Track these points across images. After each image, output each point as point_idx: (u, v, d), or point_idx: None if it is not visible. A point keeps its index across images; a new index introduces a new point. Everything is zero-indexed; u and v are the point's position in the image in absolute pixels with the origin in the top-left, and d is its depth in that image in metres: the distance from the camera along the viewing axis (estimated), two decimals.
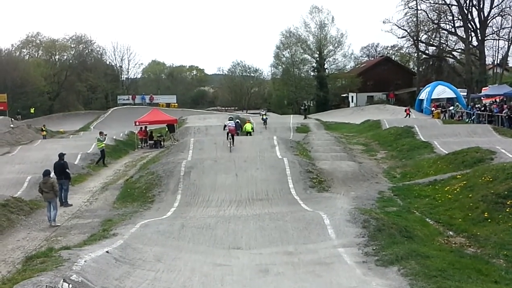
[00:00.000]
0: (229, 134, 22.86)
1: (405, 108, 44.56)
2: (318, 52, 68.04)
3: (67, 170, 16.75)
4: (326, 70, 69.01)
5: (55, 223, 13.85)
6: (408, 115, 41.39)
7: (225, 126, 23.54)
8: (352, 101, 66.09)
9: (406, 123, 31.96)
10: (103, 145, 25.24)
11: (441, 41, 60.40)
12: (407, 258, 9.25)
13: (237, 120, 30.17)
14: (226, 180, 17.24)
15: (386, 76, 62.99)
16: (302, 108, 55.36)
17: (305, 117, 48.92)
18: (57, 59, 71.98)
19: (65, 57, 72.80)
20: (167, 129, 34.58)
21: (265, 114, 41.57)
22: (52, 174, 15.15)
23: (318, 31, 67.49)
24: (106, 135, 27.10)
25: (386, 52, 77.80)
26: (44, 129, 39.82)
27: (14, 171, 21.79)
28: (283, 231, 11.67)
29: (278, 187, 16.54)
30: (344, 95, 69.14)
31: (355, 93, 64.62)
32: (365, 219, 11.72)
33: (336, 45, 67.85)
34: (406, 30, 58.54)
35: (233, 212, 14.31)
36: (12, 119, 44.19)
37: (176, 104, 64.86)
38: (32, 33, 71.91)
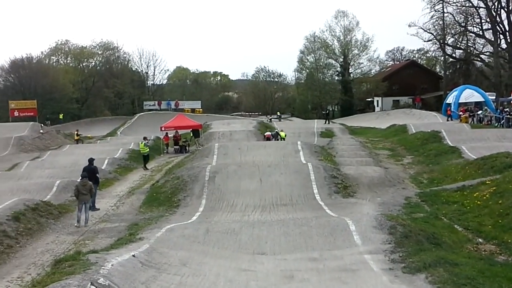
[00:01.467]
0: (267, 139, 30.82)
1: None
2: (342, 57, 67.67)
3: (97, 174, 17.13)
4: (351, 75, 68.54)
5: (86, 225, 14.14)
6: (450, 117, 40.61)
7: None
8: (377, 106, 65.39)
9: (433, 128, 31.43)
10: (147, 150, 26.66)
11: (469, 44, 59.30)
12: (435, 266, 9.07)
13: (276, 131, 35.40)
14: (250, 185, 17.25)
15: (412, 80, 62.08)
16: (323, 112, 54.43)
17: (326, 122, 47.73)
18: (85, 66, 73.52)
19: (93, 63, 74.37)
20: (191, 134, 34.87)
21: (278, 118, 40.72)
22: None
23: (343, 35, 67.16)
24: (149, 140, 29.22)
25: (411, 56, 76.86)
26: (77, 134, 40.71)
27: (43, 175, 22.31)
28: (308, 236, 11.60)
29: (303, 193, 16.47)
30: (369, 99, 68.46)
31: (380, 98, 63.91)
32: (392, 225, 11.55)
33: (361, 49, 67.37)
34: (432, 34, 57.67)
35: (258, 217, 14.30)
36: (42, 124, 45.25)
37: (201, 109, 65.37)
38: (61, 40, 73.78)
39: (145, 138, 28.00)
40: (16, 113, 51.42)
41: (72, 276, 7.68)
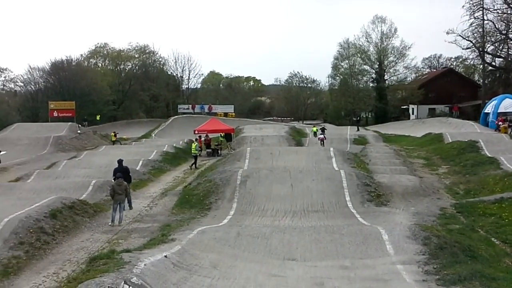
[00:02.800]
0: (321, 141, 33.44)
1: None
2: (378, 63, 66.81)
3: (130, 174, 17.51)
4: (386, 81, 67.55)
5: (120, 224, 14.45)
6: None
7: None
8: (413, 113, 64.13)
9: (470, 137, 30.57)
10: (197, 152, 28.24)
11: (509, 52, 57.39)
12: (470, 279, 8.82)
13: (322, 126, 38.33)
14: (281, 191, 17.22)
15: (449, 88, 60.56)
16: (355, 119, 53.30)
17: (358, 129, 46.89)
18: (122, 69, 75.18)
19: (130, 66, 75.92)
20: (220, 137, 34.92)
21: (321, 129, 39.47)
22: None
23: (379, 41, 66.35)
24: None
25: (449, 64, 75.10)
26: (115, 135, 41.73)
27: (80, 174, 22.91)
28: (339, 244, 11.49)
29: (334, 200, 16.32)
30: (404, 107, 67.25)
31: (415, 105, 62.64)
32: (426, 236, 11.31)
33: (398, 56, 66.35)
34: (471, 41, 56.08)
35: (288, 223, 14.26)
36: (79, 125, 46.54)
37: (234, 113, 65.81)
38: (100, 43, 75.73)
39: (196, 140, 30.41)
40: (55, 114, 53.10)
41: (106, 274, 7.86)
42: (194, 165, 27.08)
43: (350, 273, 9.81)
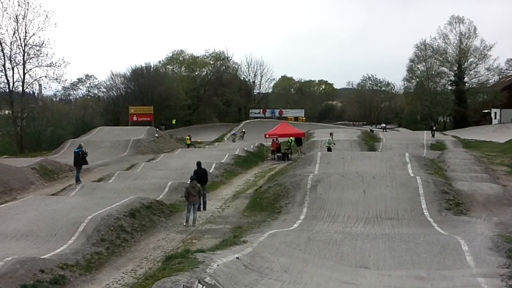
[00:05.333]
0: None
1: None
2: (457, 65, 63.69)
3: (207, 176, 18.07)
4: (466, 84, 64.18)
5: (194, 225, 14.92)
6: None
7: None
8: (495, 118, 60.41)
9: None
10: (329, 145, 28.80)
11: None
12: None
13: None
14: (353, 196, 16.86)
15: None
16: (431, 125, 49.88)
17: (432, 135, 43.59)
18: (197, 75, 77.67)
19: (204, 72, 78.28)
20: (289, 142, 34.72)
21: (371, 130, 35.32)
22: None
23: (458, 42, 63.21)
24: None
25: None
26: (190, 138, 43.31)
27: (157, 176, 23.90)
28: (415, 254, 11.05)
29: (410, 207, 15.72)
30: (486, 111, 63.46)
31: (498, 109, 58.94)
32: (510, 248, 10.58)
33: (478, 57, 62.81)
34: None
35: (361, 230, 13.94)
36: (157, 129, 48.58)
37: (304, 118, 65.62)
38: (177, 50, 78.81)
39: (331, 134, 31.60)
40: (134, 118, 55.93)
41: (181, 273, 8.13)
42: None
43: (426, 284, 9.41)
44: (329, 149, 27.96)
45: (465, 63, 64.15)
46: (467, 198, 16.48)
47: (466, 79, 65.02)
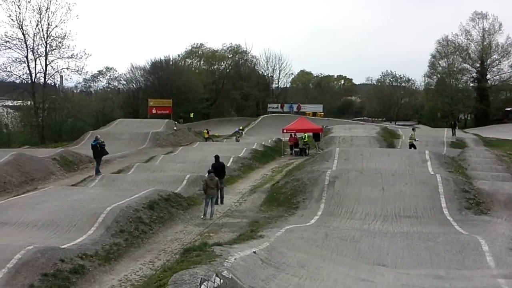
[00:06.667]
0: None
1: None
2: (479, 62, 62.50)
3: (225, 170, 18.15)
4: (488, 81, 62.97)
5: (211, 218, 14.99)
6: None
7: None
8: None
9: None
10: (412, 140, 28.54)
11: None
12: None
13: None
14: (372, 193, 16.73)
15: None
16: (451, 122, 48.29)
17: (453, 133, 42.01)
18: (215, 69, 77.76)
19: (223, 66, 78.30)
20: (303, 138, 34.36)
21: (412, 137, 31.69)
22: None
23: (481, 39, 62.01)
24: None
25: None
26: (208, 132, 43.49)
27: (175, 169, 24.07)
28: (434, 252, 10.93)
29: (429, 205, 15.53)
30: (509, 109, 62.17)
31: None
32: None
33: (502, 54, 61.54)
34: None
35: (379, 227, 13.84)
36: (176, 122, 48.84)
37: (322, 113, 65.24)
38: (196, 44, 78.93)
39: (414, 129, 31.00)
40: (154, 111, 56.27)
41: (199, 266, 8.17)
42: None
43: (445, 284, 9.31)
44: (412, 145, 27.21)
45: (488, 60, 62.94)
46: (488, 197, 16.22)
47: (488, 76, 63.81)
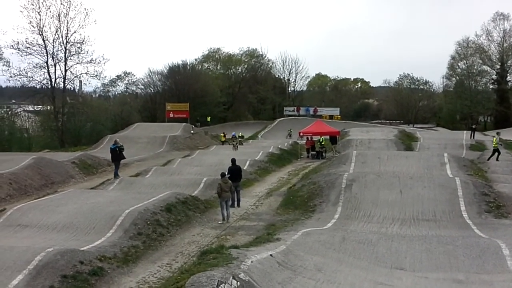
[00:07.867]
0: None
1: None
2: (500, 63, 61.55)
3: (241, 173, 18.19)
4: (509, 83, 61.95)
5: (228, 221, 15.04)
6: None
7: None
8: None
9: None
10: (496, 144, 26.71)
11: None
12: None
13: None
14: (389, 196, 16.58)
15: None
16: (471, 126, 46.99)
17: (472, 136, 40.74)
18: (232, 73, 78.11)
19: (239, 70, 78.64)
20: (319, 141, 34.22)
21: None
22: None
23: (501, 40, 61.09)
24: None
25: None
26: (224, 136, 43.74)
27: (192, 172, 24.20)
28: (453, 256, 10.78)
29: (448, 209, 15.33)
30: None
31: None
32: None
33: None
34: None
35: (396, 231, 13.70)
36: (193, 126, 49.19)
37: (339, 116, 64.96)
38: (213, 48, 79.48)
39: (498, 133, 29.13)
40: (171, 115, 56.82)
41: (216, 268, 8.21)
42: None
43: None
44: (497, 150, 25.65)
45: (508, 62, 61.97)
46: (508, 200, 15.95)
47: (509, 78, 62.85)
